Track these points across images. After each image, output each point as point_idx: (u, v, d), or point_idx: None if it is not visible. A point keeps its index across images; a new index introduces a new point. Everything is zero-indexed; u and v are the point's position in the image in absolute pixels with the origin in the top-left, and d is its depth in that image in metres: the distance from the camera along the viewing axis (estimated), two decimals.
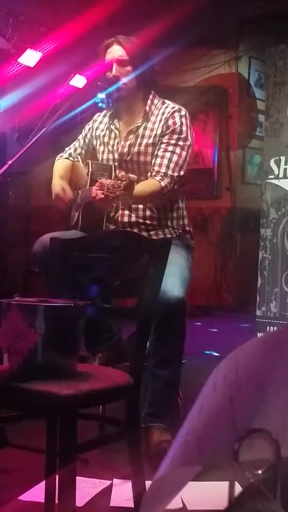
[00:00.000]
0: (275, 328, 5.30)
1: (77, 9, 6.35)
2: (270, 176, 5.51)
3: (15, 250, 6.34)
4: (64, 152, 3.72)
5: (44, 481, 2.25)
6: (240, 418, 0.83)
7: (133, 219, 3.38)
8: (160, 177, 3.22)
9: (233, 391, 0.84)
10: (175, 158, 3.27)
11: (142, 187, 3.09)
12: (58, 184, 3.52)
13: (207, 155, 9.18)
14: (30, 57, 6.65)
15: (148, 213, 3.38)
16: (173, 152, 3.28)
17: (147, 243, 2.54)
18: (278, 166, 5.45)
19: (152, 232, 3.37)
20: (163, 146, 3.30)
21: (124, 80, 3.36)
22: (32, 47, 6.62)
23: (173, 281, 3.00)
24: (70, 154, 3.68)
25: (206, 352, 5.77)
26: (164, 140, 3.31)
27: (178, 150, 3.30)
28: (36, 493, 2.56)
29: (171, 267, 2.59)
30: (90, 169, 3.43)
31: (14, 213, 7.19)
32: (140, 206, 3.36)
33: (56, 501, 2.07)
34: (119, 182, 2.85)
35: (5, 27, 6.86)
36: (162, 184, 3.21)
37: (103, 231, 3.25)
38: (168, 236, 3.36)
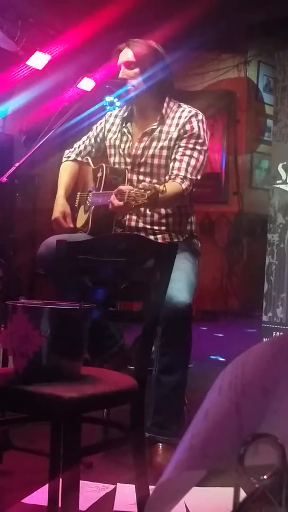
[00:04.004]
0: (281, 333, 5.29)
1: (86, 12, 6.35)
2: (278, 181, 5.51)
3: (21, 252, 6.34)
4: (72, 150, 3.70)
5: (47, 484, 2.25)
6: (245, 423, 0.82)
7: (141, 224, 3.38)
8: (181, 180, 3.22)
9: (239, 396, 0.84)
10: (193, 162, 3.27)
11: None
12: (60, 205, 3.51)
13: (215, 160, 9.18)
14: (38, 60, 6.65)
15: (155, 218, 3.37)
16: (191, 156, 3.28)
17: (153, 247, 2.53)
18: (286, 171, 5.45)
19: (159, 236, 3.37)
20: (181, 150, 3.30)
21: (132, 82, 3.35)
22: (40, 49, 6.62)
23: (180, 286, 2.99)
24: (79, 153, 3.66)
25: (212, 357, 5.76)
26: (182, 144, 3.30)
27: (196, 154, 3.29)
28: (39, 496, 2.55)
29: (177, 272, 2.58)
30: (104, 173, 3.41)
31: (20, 215, 7.20)
32: (148, 211, 3.35)
33: (59, 505, 2.07)
34: (142, 190, 2.83)
35: (14, 30, 6.86)
36: (183, 186, 3.21)
37: (109, 234, 3.24)
38: (175, 240, 3.35)
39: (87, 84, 4.32)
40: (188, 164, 3.26)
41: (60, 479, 1.99)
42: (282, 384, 0.85)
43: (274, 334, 5.40)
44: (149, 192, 2.80)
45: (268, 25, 7.90)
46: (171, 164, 3.30)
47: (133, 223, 3.38)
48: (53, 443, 2.14)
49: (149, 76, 3.34)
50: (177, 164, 3.27)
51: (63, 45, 6.79)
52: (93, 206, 3.43)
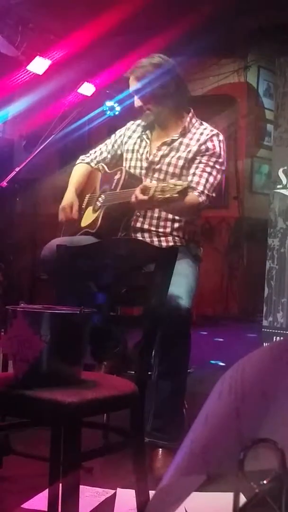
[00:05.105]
0: (282, 338, 5.28)
1: (86, 17, 6.36)
2: (278, 186, 5.51)
3: (21, 257, 6.34)
4: (88, 155, 3.72)
5: (47, 489, 2.24)
6: (245, 427, 0.82)
7: (146, 226, 3.40)
8: (198, 193, 3.25)
9: (238, 401, 0.84)
10: (211, 179, 3.32)
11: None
12: (70, 197, 3.56)
13: None
14: (39, 65, 6.67)
15: (161, 221, 3.39)
16: (210, 174, 3.33)
17: (153, 251, 2.53)
18: (287, 176, 5.45)
19: (162, 239, 3.38)
20: (201, 166, 3.34)
21: (148, 106, 3.40)
22: (41, 54, 6.63)
23: (180, 291, 2.99)
24: (94, 159, 3.68)
25: (212, 362, 5.76)
26: (203, 160, 3.35)
27: (214, 172, 3.35)
28: (39, 501, 2.54)
29: (177, 277, 2.58)
30: (123, 176, 3.42)
31: (21, 220, 7.20)
32: (155, 214, 3.36)
33: (59, 510, 2.06)
34: (172, 185, 2.86)
35: (14, 35, 6.88)
36: (200, 199, 3.25)
37: (109, 239, 3.24)
38: (178, 244, 3.37)
39: (87, 89, 4.34)
40: (207, 180, 3.31)
41: (60, 484, 1.99)
42: (282, 389, 0.85)
43: (274, 339, 5.40)
44: (180, 187, 2.83)
45: (268, 31, 7.92)
46: (189, 178, 3.32)
47: (138, 224, 3.41)
48: (53, 448, 2.13)
49: (161, 94, 3.38)
50: (196, 179, 3.31)
51: (63, 50, 6.80)
52: (105, 206, 3.43)
